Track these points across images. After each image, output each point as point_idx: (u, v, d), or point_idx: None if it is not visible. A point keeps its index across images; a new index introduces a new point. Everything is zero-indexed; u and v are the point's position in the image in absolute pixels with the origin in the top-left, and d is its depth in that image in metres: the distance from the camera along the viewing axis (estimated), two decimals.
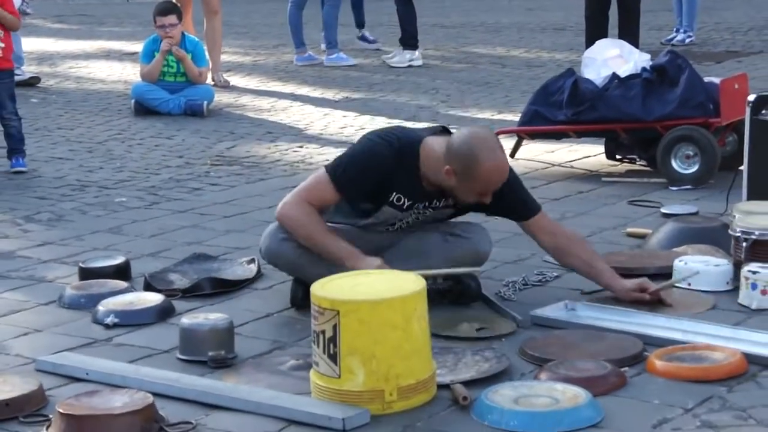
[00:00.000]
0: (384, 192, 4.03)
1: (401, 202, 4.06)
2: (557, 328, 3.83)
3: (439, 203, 4.12)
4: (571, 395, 3.19)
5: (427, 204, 4.10)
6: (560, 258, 4.19)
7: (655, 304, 4.01)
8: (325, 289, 3.29)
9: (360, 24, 11.40)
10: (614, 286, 4.05)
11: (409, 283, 3.33)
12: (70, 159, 7.00)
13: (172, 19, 8.44)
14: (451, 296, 4.11)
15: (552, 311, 3.94)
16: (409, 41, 10.27)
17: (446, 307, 4.00)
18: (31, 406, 3.29)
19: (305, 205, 4.01)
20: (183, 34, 8.56)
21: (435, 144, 3.99)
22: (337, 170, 4.01)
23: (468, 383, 3.34)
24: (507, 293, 4.19)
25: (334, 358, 3.20)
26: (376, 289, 3.30)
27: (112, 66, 10.97)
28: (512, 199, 4.12)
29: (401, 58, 10.19)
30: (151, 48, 8.54)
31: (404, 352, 3.20)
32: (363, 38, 11.37)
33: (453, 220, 4.28)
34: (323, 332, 3.21)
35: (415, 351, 3.23)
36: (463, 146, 3.89)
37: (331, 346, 3.19)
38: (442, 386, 3.33)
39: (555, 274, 4.39)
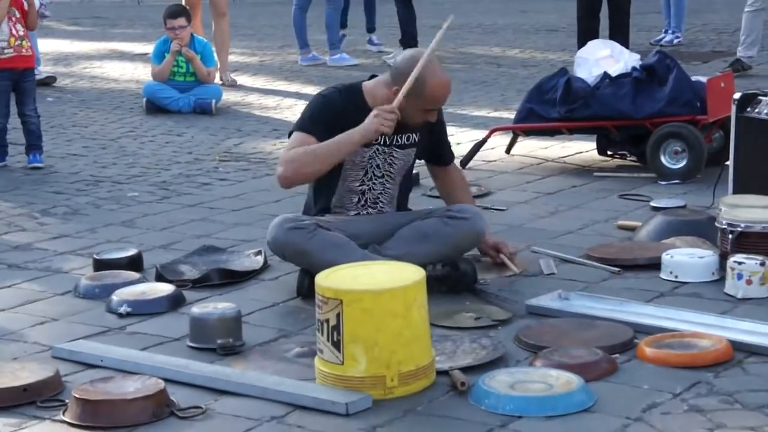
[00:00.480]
0: (344, 125, 4.05)
1: None
2: (551, 317, 3.82)
3: (399, 140, 4.18)
4: (565, 381, 3.18)
5: (387, 140, 4.15)
6: (439, 189, 4.56)
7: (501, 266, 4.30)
8: (329, 279, 3.28)
9: (371, 29, 11.37)
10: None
11: (410, 273, 3.32)
12: (85, 155, 7.00)
13: (181, 21, 8.43)
14: (448, 282, 4.11)
15: (546, 301, 3.94)
16: (409, 42, 10.23)
17: (444, 299, 3.99)
18: (48, 391, 3.29)
19: (290, 156, 4.09)
20: (192, 35, 8.55)
21: (375, 80, 4.20)
22: (299, 123, 4.16)
23: (466, 369, 3.33)
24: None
25: (337, 345, 3.19)
26: (378, 280, 3.30)
27: (124, 66, 10.96)
28: (442, 140, 4.40)
29: None
30: (161, 49, 8.53)
31: (405, 339, 3.20)
32: (370, 42, 11.33)
33: (451, 205, 4.33)
34: (327, 321, 3.21)
35: (415, 338, 3.23)
36: (409, 67, 3.99)
37: (335, 334, 3.19)
38: (441, 372, 3.33)
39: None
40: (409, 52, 4.20)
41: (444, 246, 4.11)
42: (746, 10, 8.88)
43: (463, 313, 3.86)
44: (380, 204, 4.26)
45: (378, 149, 4.18)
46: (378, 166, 4.21)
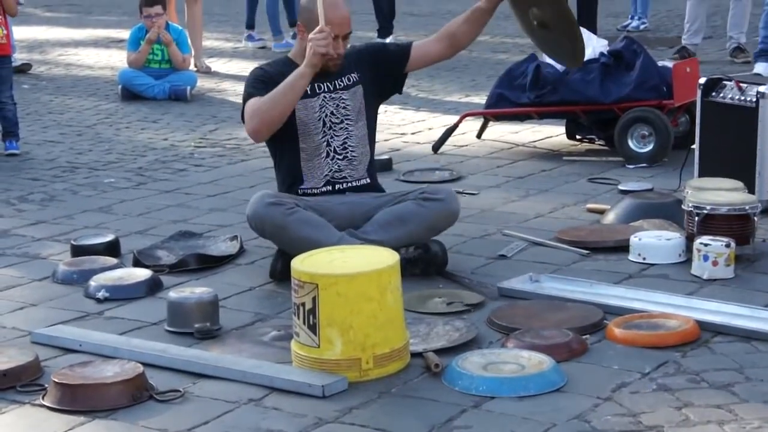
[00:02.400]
0: None
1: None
2: (523, 299, 3.84)
3: (340, 83, 4.26)
4: (536, 362, 3.20)
5: (330, 86, 4.25)
6: (459, 39, 4.38)
7: None
8: (304, 264, 3.28)
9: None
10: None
11: (383, 257, 3.33)
12: (61, 142, 6.95)
13: (158, 9, 8.39)
14: (420, 264, 4.11)
15: (518, 283, 3.95)
16: (383, 29, 10.23)
17: (417, 283, 3.99)
18: (28, 376, 3.27)
19: (250, 111, 4.15)
20: (168, 23, 8.50)
21: (294, 48, 4.36)
22: (245, 95, 4.22)
23: (439, 351, 3.34)
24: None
25: (313, 328, 3.19)
26: (353, 264, 3.30)
27: (99, 53, 10.88)
28: (385, 53, 4.43)
29: None
30: (137, 36, 8.48)
31: (379, 322, 3.20)
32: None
33: (424, 187, 4.32)
34: (303, 304, 3.20)
35: (389, 321, 3.23)
36: (304, 1, 4.21)
37: (311, 317, 3.19)
38: (415, 354, 3.33)
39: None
40: None
41: (420, 228, 4.12)
42: None
43: (435, 298, 3.86)
44: (349, 149, 4.28)
45: (325, 97, 4.26)
46: (332, 113, 4.27)
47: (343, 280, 3.19)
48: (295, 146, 4.25)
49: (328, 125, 4.25)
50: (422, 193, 4.21)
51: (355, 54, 4.36)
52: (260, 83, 4.21)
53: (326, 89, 4.25)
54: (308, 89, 4.18)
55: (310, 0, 4.20)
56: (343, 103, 4.28)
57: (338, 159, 4.26)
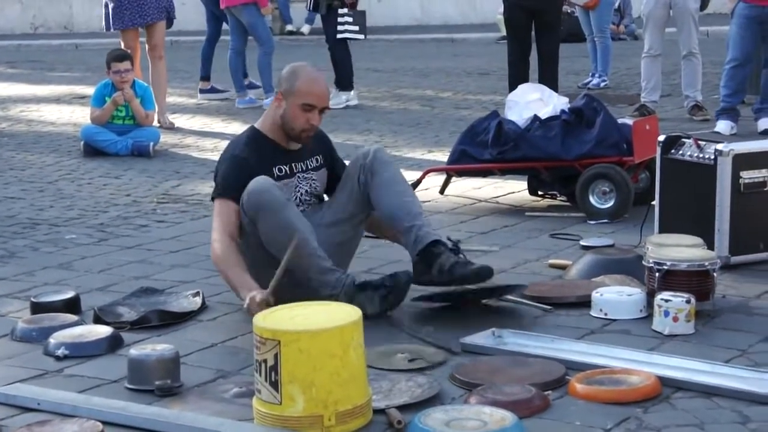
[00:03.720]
0: (265, 173, 4.29)
1: (282, 171, 4.40)
2: (485, 355, 3.84)
3: (310, 164, 4.47)
4: (499, 418, 3.20)
5: (302, 167, 4.45)
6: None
7: None
8: (266, 320, 3.27)
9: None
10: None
11: (346, 313, 3.33)
12: (22, 198, 6.91)
13: (126, 65, 8.41)
14: (383, 291, 4.19)
15: (480, 339, 3.96)
16: (344, 83, 10.29)
17: (380, 340, 3.98)
18: None
19: (222, 239, 4.27)
20: (134, 79, 8.53)
21: (264, 114, 4.52)
22: (217, 190, 4.38)
23: (402, 407, 3.34)
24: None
25: (275, 385, 3.18)
26: (315, 320, 3.29)
27: (61, 109, 10.87)
28: (333, 161, 4.61)
29: (338, 99, 10.17)
30: (102, 93, 8.48)
31: (342, 379, 3.20)
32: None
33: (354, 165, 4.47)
34: (265, 361, 3.19)
35: (352, 378, 3.23)
36: (286, 71, 4.41)
37: (273, 374, 3.18)
38: (377, 411, 3.33)
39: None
40: (289, 66, 4.44)
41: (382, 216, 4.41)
42: (643, 56, 9.07)
43: (398, 354, 3.85)
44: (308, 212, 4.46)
45: (299, 177, 4.45)
46: (306, 191, 4.46)
47: (306, 337, 3.18)
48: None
49: (300, 201, 4.43)
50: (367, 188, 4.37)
51: (315, 138, 4.51)
52: (234, 185, 4.28)
53: (300, 169, 4.45)
54: (286, 169, 4.39)
55: (290, 71, 4.37)
56: (314, 182, 4.49)
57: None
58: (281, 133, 4.42)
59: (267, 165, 4.35)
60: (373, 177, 4.36)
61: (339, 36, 10.10)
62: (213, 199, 4.42)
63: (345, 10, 10.11)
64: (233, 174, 4.34)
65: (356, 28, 10.14)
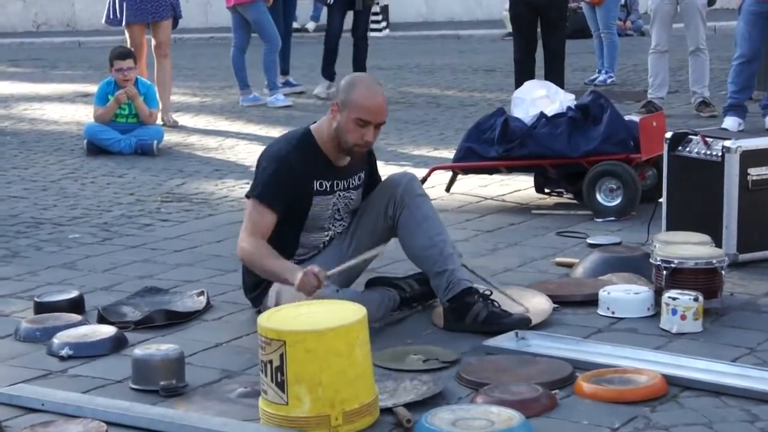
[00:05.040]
0: (306, 184, 4.18)
1: (323, 187, 4.22)
2: (493, 354, 3.83)
3: (353, 182, 4.31)
4: (506, 417, 3.20)
5: (344, 185, 4.28)
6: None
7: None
8: (271, 320, 3.28)
9: (285, 71, 11.26)
10: None
11: (350, 312, 3.33)
12: (25, 197, 6.92)
13: (129, 62, 8.41)
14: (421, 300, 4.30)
15: (504, 341, 3.92)
16: (330, 74, 10.58)
17: (390, 340, 3.99)
18: None
19: (250, 239, 4.11)
20: (137, 77, 8.54)
21: (320, 120, 4.26)
22: (257, 190, 4.16)
23: (409, 405, 3.34)
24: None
25: (281, 385, 3.19)
26: (320, 319, 3.30)
27: (65, 108, 10.88)
28: (373, 175, 4.45)
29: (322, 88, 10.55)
30: (105, 91, 8.48)
31: (348, 378, 3.20)
32: (287, 84, 11.23)
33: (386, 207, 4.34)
34: (270, 362, 3.20)
35: (358, 376, 3.23)
36: (344, 81, 4.20)
37: (279, 374, 3.18)
38: (384, 410, 3.33)
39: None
40: (348, 76, 4.28)
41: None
42: (650, 52, 9.06)
43: (411, 355, 3.85)
44: (336, 239, 4.37)
45: (339, 195, 4.29)
46: (340, 209, 4.32)
47: (312, 336, 3.19)
48: (297, 232, 4.27)
49: (335, 218, 4.33)
50: (386, 207, 4.27)
51: (366, 155, 4.38)
52: (276, 193, 4.12)
53: (342, 187, 4.28)
54: (327, 185, 4.22)
55: (348, 82, 4.17)
56: (351, 202, 4.34)
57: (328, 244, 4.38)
58: (333, 145, 4.19)
59: (310, 176, 4.18)
60: (402, 211, 4.22)
61: (370, 34, 10.26)
62: (248, 196, 4.19)
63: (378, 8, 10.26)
64: (274, 180, 4.13)
65: (384, 24, 10.25)
